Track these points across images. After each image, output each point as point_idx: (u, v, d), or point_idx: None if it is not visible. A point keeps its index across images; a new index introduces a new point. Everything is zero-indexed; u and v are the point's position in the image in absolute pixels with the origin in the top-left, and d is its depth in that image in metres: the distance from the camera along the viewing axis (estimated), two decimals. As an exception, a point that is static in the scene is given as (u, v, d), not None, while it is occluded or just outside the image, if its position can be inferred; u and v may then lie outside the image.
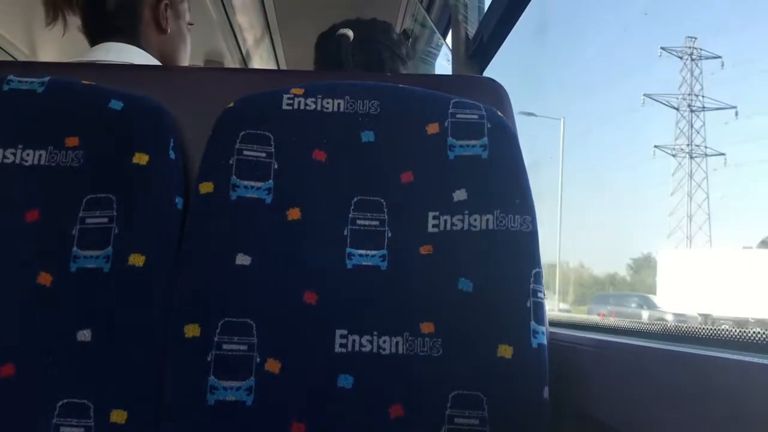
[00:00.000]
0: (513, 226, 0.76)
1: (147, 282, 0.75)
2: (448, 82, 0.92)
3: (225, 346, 0.72)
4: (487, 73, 1.60)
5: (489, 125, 0.80)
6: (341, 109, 0.80)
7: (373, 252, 0.76)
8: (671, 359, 0.62)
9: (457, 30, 1.75)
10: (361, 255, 0.76)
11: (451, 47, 1.83)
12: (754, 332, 0.66)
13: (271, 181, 0.77)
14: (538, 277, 0.75)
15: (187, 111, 0.85)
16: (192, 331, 0.72)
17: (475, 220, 0.77)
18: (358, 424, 0.72)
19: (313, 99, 0.81)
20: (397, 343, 0.74)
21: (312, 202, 0.77)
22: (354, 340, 0.73)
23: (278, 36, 2.73)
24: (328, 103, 0.81)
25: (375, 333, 0.74)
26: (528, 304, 0.74)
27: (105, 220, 0.76)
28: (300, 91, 0.81)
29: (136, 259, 0.74)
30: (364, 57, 1.20)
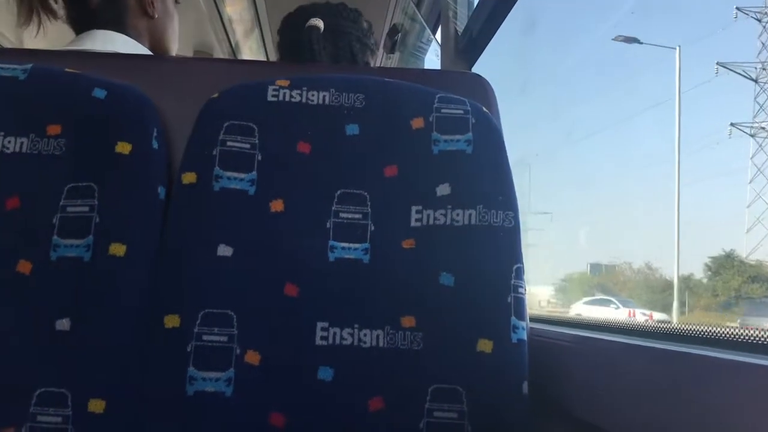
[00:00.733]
0: (495, 222, 0.76)
1: (127, 271, 0.74)
2: (434, 77, 0.92)
3: (205, 337, 0.71)
4: (481, 69, 1.60)
5: (474, 120, 0.80)
6: (326, 102, 0.80)
7: (356, 245, 0.76)
8: (649, 355, 0.62)
9: (446, 25, 1.75)
10: (343, 248, 0.76)
11: (440, 42, 1.83)
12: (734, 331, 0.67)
13: (254, 172, 0.77)
14: (519, 273, 0.75)
15: (173, 101, 0.85)
16: (172, 321, 0.72)
17: (458, 215, 0.77)
18: (338, 417, 0.72)
19: (299, 91, 0.81)
20: (378, 336, 0.74)
21: (295, 194, 0.77)
22: (335, 333, 0.73)
23: (268, 28, 2.72)
24: (313, 95, 0.81)
25: (356, 326, 0.74)
26: (509, 300, 0.74)
27: (86, 208, 0.75)
28: (285, 83, 0.81)
29: (117, 249, 0.74)
30: (333, 48, 1.19)
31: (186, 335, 0.71)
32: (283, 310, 0.74)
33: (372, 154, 0.79)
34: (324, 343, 0.73)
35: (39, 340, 0.72)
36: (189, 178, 0.77)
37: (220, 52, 2.80)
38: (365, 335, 0.74)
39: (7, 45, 1.97)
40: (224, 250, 0.74)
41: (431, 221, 0.77)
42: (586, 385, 0.73)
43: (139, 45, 1.10)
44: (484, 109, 0.82)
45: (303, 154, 0.79)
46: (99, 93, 0.79)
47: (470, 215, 0.76)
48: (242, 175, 0.77)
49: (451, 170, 0.78)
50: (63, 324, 0.72)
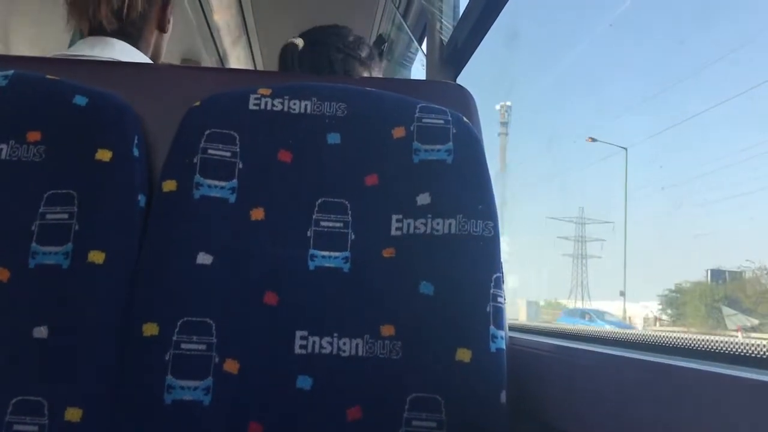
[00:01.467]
0: (475, 231, 0.77)
1: (106, 279, 0.74)
2: (416, 86, 0.92)
3: (183, 346, 0.71)
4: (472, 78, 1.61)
5: (454, 130, 0.80)
6: (308, 111, 0.81)
7: (336, 254, 0.76)
8: (628, 365, 0.63)
9: (432, 36, 1.76)
10: (323, 256, 0.76)
11: (426, 53, 1.84)
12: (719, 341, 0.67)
13: (235, 180, 0.77)
14: (498, 282, 0.76)
15: (155, 108, 0.85)
16: (150, 329, 0.71)
17: (438, 224, 0.77)
18: (316, 426, 0.72)
19: (280, 100, 0.81)
20: (357, 345, 0.74)
21: (276, 203, 0.77)
22: (314, 342, 0.73)
23: (255, 37, 2.73)
24: (294, 104, 0.81)
25: (335, 335, 0.74)
26: (488, 309, 0.74)
27: (65, 216, 0.75)
28: (267, 92, 0.81)
29: (96, 256, 0.74)
30: (309, 62, 1.21)
31: (164, 343, 0.71)
32: (262, 318, 0.73)
33: (353, 163, 0.80)
34: (303, 351, 0.73)
35: (16, 347, 0.71)
36: (169, 185, 0.77)
37: (208, 61, 2.80)
38: (344, 344, 0.74)
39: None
40: (204, 258, 0.74)
41: (411, 230, 0.77)
42: (564, 395, 0.73)
43: (143, 55, 1.11)
44: (465, 119, 0.83)
45: (284, 163, 0.79)
46: (80, 100, 0.79)
47: (450, 224, 0.77)
48: (223, 183, 0.77)
49: (431, 180, 0.79)
50: (40, 331, 0.72)
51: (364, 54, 1.28)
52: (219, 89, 0.83)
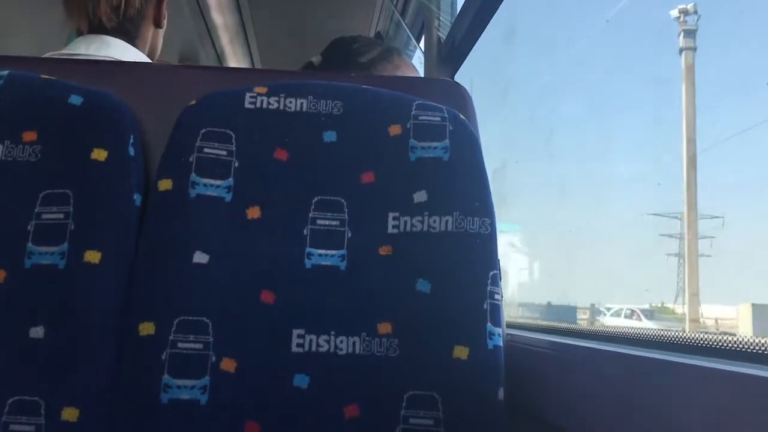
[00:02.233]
0: (472, 228, 0.77)
1: (102, 279, 0.74)
2: (413, 84, 0.92)
3: (180, 345, 0.71)
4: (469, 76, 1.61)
5: (451, 128, 0.80)
6: (304, 109, 0.80)
7: (333, 252, 0.76)
8: (625, 362, 0.63)
9: (429, 33, 1.76)
10: (320, 255, 0.76)
11: (423, 50, 1.84)
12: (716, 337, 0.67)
13: (231, 179, 0.77)
14: (495, 279, 0.76)
15: (150, 107, 0.85)
16: (147, 329, 0.71)
17: (435, 221, 0.77)
18: (313, 424, 0.72)
19: (276, 98, 0.81)
20: (354, 343, 0.74)
21: (272, 201, 0.77)
22: (311, 340, 0.73)
23: (253, 36, 2.73)
24: (290, 102, 0.81)
25: (332, 333, 0.74)
26: (485, 306, 0.74)
27: (61, 215, 0.75)
28: (263, 90, 0.81)
29: (92, 256, 0.74)
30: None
31: (161, 343, 0.71)
32: (259, 317, 0.73)
33: (349, 161, 0.79)
34: (300, 350, 0.73)
35: (12, 347, 0.71)
36: (165, 184, 0.76)
37: (206, 59, 2.80)
38: (341, 342, 0.73)
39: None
40: (200, 257, 0.74)
41: (408, 228, 0.77)
42: (562, 391, 0.73)
43: (140, 53, 1.11)
44: (462, 116, 0.83)
45: (280, 161, 0.79)
46: (75, 99, 0.79)
47: (447, 222, 0.77)
48: (219, 182, 0.77)
49: (428, 177, 0.79)
50: (37, 332, 0.71)
51: (363, 60, 1.27)
52: (215, 88, 0.83)
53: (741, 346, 0.61)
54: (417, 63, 2.34)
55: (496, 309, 0.75)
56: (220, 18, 2.57)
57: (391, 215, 0.78)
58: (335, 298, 0.75)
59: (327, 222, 0.77)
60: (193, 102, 0.81)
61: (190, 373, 0.71)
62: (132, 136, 0.79)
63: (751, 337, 0.60)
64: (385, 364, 0.73)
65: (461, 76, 1.61)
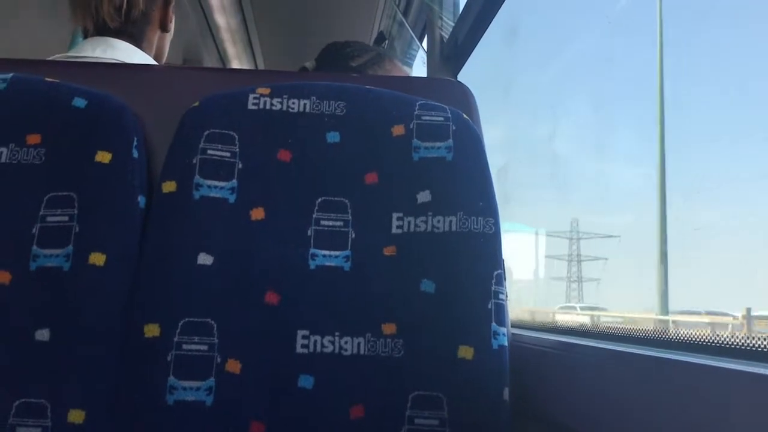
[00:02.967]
0: (476, 228, 0.76)
1: (107, 281, 0.74)
2: (415, 84, 0.92)
3: (185, 346, 0.71)
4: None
5: (454, 127, 0.80)
6: (307, 110, 0.80)
7: (337, 252, 0.76)
8: (631, 361, 0.63)
9: (432, 33, 1.76)
10: (324, 255, 0.76)
11: (426, 50, 1.84)
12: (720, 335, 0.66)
13: (234, 180, 0.77)
14: (499, 279, 0.76)
15: (154, 109, 0.85)
16: (152, 330, 0.72)
17: (439, 221, 0.77)
18: (318, 425, 0.72)
19: (279, 99, 0.81)
20: (359, 343, 0.74)
21: (276, 202, 0.77)
22: (316, 341, 0.73)
23: (256, 36, 2.73)
24: (294, 103, 0.81)
25: (337, 333, 0.74)
26: (489, 306, 0.74)
27: (66, 218, 0.75)
28: (266, 91, 0.81)
29: (97, 258, 0.74)
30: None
31: (166, 344, 0.71)
32: (263, 318, 0.74)
33: (353, 162, 0.79)
34: (305, 351, 0.73)
35: (18, 350, 0.72)
36: (169, 186, 0.77)
37: (209, 60, 2.80)
38: (346, 343, 0.73)
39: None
40: (204, 259, 0.74)
41: (412, 228, 0.77)
42: (567, 391, 0.73)
43: (146, 56, 1.11)
44: (465, 116, 0.83)
45: (283, 162, 0.79)
46: (79, 102, 0.79)
47: (451, 222, 0.77)
48: (222, 184, 0.77)
49: (431, 177, 0.79)
50: (42, 334, 0.72)
51: (355, 64, 1.28)
52: (218, 89, 0.83)
53: None
54: (420, 62, 2.34)
55: (500, 309, 0.75)
56: (223, 19, 2.57)
57: (395, 215, 0.78)
58: (340, 298, 0.75)
59: (331, 223, 0.77)
60: (197, 104, 0.81)
61: (196, 374, 0.71)
62: (136, 139, 0.79)
63: None
64: (390, 365, 0.73)
65: (464, 75, 1.61)
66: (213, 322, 0.72)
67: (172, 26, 1.20)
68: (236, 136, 0.78)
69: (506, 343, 0.74)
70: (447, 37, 1.66)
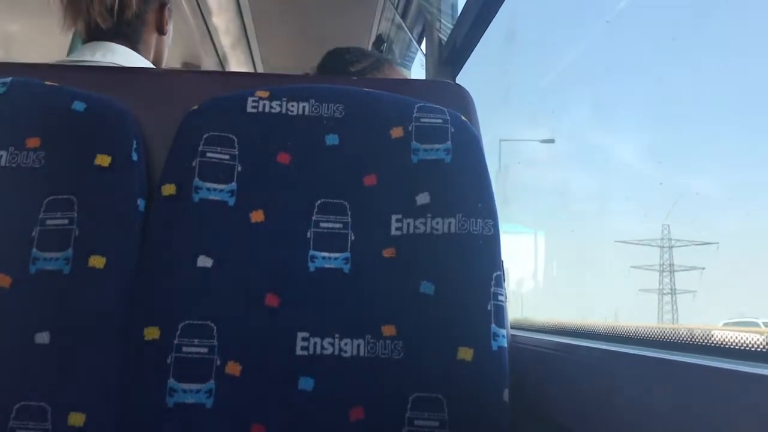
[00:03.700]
0: (475, 230, 0.77)
1: (107, 284, 0.74)
2: (414, 86, 0.92)
3: (185, 349, 0.71)
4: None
5: (453, 129, 0.80)
6: (306, 112, 0.81)
7: (336, 254, 0.77)
8: (632, 362, 0.63)
9: (430, 35, 1.77)
10: (324, 257, 0.76)
11: (425, 52, 1.85)
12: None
13: (234, 183, 0.77)
14: (499, 280, 0.76)
15: (153, 113, 0.85)
16: (152, 333, 0.72)
17: (438, 223, 0.77)
18: (319, 427, 0.72)
19: (278, 102, 0.81)
20: (358, 345, 0.74)
21: (275, 205, 0.78)
22: (315, 343, 0.73)
23: (255, 39, 2.73)
24: (293, 106, 0.81)
25: (337, 335, 0.74)
26: (489, 307, 0.74)
27: (65, 221, 0.75)
28: (265, 94, 0.81)
29: (97, 261, 0.74)
30: None
31: (166, 347, 0.71)
32: (263, 320, 0.74)
33: (352, 164, 0.80)
34: (305, 353, 0.73)
35: (18, 353, 0.72)
36: (169, 189, 0.77)
37: (208, 64, 2.80)
38: (346, 345, 0.74)
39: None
40: (204, 261, 0.74)
41: (411, 230, 0.78)
42: (567, 392, 0.73)
43: (145, 60, 1.11)
44: (464, 118, 0.83)
45: (283, 165, 0.79)
46: (78, 106, 0.79)
47: (450, 223, 0.77)
48: (222, 186, 0.77)
49: (430, 179, 0.79)
50: (42, 337, 0.72)
51: (354, 69, 1.29)
52: (217, 92, 0.84)
53: None
54: (418, 65, 2.34)
55: (500, 310, 0.75)
56: (222, 22, 2.57)
57: (394, 217, 0.78)
58: (339, 300, 0.75)
59: (330, 225, 0.77)
60: (196, 107, 0.81)
61: (196, 377, 0.71)
62: (135, 142, 0.79)
63: None
64: (390, 367, 0.73)
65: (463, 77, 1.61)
66: (213, 325, 0.72)
67: (169, 29, 1.19)
68: (235, 139, 0.79)
69: (506, 345, 0.75)
70: (445, 39, 1.66)
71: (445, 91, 0.92)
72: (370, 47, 2.50)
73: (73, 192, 0.76)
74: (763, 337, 0.58)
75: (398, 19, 2.23)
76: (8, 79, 0.81)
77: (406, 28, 2.20)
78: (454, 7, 1.70)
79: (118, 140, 0.79)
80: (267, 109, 0.80)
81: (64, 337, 0.72)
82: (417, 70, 2.36)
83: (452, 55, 1.60)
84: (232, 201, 0.77)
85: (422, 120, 0.81)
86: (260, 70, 3.03)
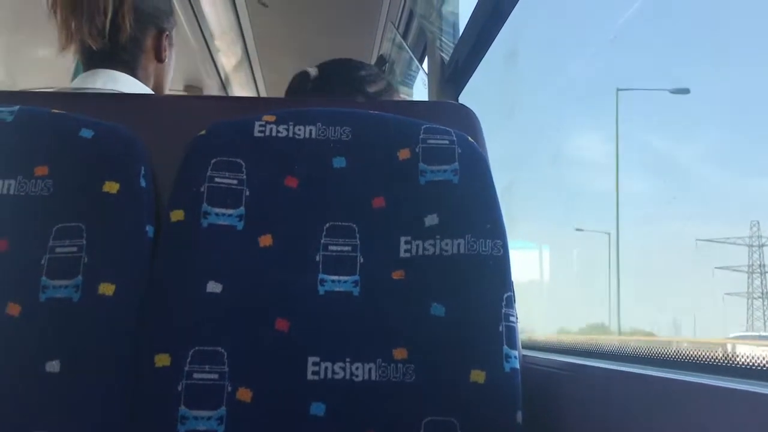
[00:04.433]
0: (484, 251, 0.76)
1: (117, 311, 0.74)
2: (420, 107, 0.93)
3: (196, 375, 0.71)
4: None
5: (459, 150, 0.81)
6: (313, 136, 0.81)
7: (346, 278, 0.76)
8: (646, 384, 0.62)
9: (432, 55, 1.78)
10: (333, 281, 0.76)
11: (427, 71, 1.86)
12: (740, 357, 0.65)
13: (242, 207, 0.77)
14: (509, 302, 0.75)
15: (160, 138, 0.85)
16: (162, 360, 0.71)
17: (447, 244, 0.77)
18: None
19: (285, 126, 0.81)
20: (370, 369, 0.73)
21: (284, 229, 0.77)
22: (326, 368, 0.73)
23: (257, 62, 2.75)
24: (299, 129, 0.81)
25: (348, 360, 0.73)
26: (500, 329, 0.74)
27: (74, 249, 0.75)
28: (272, 118, 0.82)
29: (106, 288, 0.74)
30: (321, 91, 1.20)
31: (177, 374, 0.71)
32: (274, 345, 0.73)
33: (359, 187, 0.80)
34: (315, 377, 0.73)
35: (29, 382, 0.71)
36: (177, 215, 0.77)
37: (210, 86, 2.82)
38: (357, 369, 0.73)
39: (2, 87, 1.98)
40: (213, 287, 0.74)
41: (420, 252, 0.77)
42: (581, 414, 0.72)
43: (145, 87, 1.11)
44: (470, 138, 0.83)
45: (290, 189, 0.79)
46: (86, 133, 0.80)
47: (459, 245, 0.77)
48: (230, 211, 0.77)
49: (438, 200, 0.79)
50: (53, 366, 0.71)
51: (372, 90, 1.29)
52: (222, 117, 0.84)
53: None
54: (420, 84, 2.35)
55: (511, 331, 0.74)
56: (224, 44, 2.59)
57: (402, 239, 0.78)
58: (349, 324, 0.75)
59: (339, 248, 0.77)
60: (203, 132, 0.81)
61: (207, 403, 0.70)
62: (143, 168, 0.80)
63: None
64: (402, 390, 0.73)
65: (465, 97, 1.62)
66: (223, 351, 0.72)
67: (170, 57, 1.18)
68: (243, 164, 0.79)
69: (518, 366, 0.74)
70: (447, 59, 1.67)
71: (450, 111, 0.92)
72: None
73: (81, 219, 0.76)
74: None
75: (399, 38, 2.25)
76: (15, 108, 0.81)
77: (407, 48, 2.21)
78: (455, 26, 1.72)
79: (126, 167, 0.79)
80: (274, 133, 0.80)
81: (75, 366, 0.72)
82: (419, 89, 2.37)
83: (455, 73, 1.61)
84: (240, 225, 0.77)
85: (429, 141, 0.81)
86: (262, 92, 3.05)
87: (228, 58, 2.74)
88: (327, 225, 0.78)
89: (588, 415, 0.70)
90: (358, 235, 0.78)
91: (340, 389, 0.72)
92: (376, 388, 0.73)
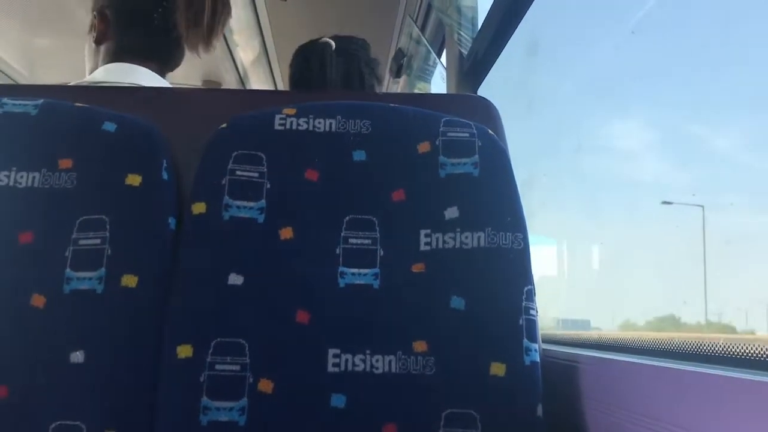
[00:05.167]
0: (504, 244, 0.76)
1: (140, 302, 0.75)
2: (439, 100, 0.93)
3: (218, 367, 0.72)
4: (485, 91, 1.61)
5: (480, 143, 0.80)
6: (333, 129, 0.81)
7: (366, 270, 0.76)
8: (671, 377, 0.62)
9: (451, 48, 1.77)
10: (353, 273, 0.76)
11: (445, 65, 1.85)
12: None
13: (263, 200, 0.78)
14: (530, 295, 0.75)
15: (182, 132, 0.86)
16: (185, 351, 0.72)
17: (467, 237, 0.77)
18: None
19: (305, 119, 0.81)
20: (390, 361, 0.73)
21: (304, 221, 0.78)
22: (347, 359, 0.73)
23: (275, 56, 2.76)
24: (320, 122, 0.81)
25: (368, 352, 0.74)
26: (520, 322, 0.74)
27: (98, 241, 0.76)
28: (292, 111, 0.82)
29: (129, 280, 0.75)
30: (343, 68, 1.22)
31: (199, 365, 0.72)
32: (295, 337, 0.74)
33: (380, 180, 0.80)
34: (336, 369, 0.73)
35: (54, 372, 0.72)
36: (199, 208, 0.77)
37: (229, 81, 2.83)
38: (377, 361, 0.73)
39: (23, 81, 2.00)
40: (235, 279, 0.75)
41: (440, 245, 0.77)
42: (600, 407, 0.72)
43: (164, 80, 1.12)
44: (490, 131, 0.83)
45: (311, 182, 0.79)
46: (109, 126, 0.80)
47: (479, 238, 0.77)
48: (251, 204, 0.77)
49: (458, 193, 0.79)
50: (77, 356, 0.72)
51: (379, 72, 1.31)
52: (242, 110, 0.84)
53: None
54: (438, 78, 2.35)
55: (532, 324, 0.74)
56: (243, 39, 2.60)
57: (423, 232, 0.78)
58: (370, 316, 0.75)
59: (359, 241, 0.77)
60: (224, 125, 0.81)
61: (229, 394, 0.71)
62: (165, 161, 0.80)
63: None
64: (422, 383, 0.73)
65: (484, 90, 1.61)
66: (245, 342, 0.72)
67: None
68: (264, 157, 0.79)
69: (538, 359, 0.74)
70: (466, 52, 1.66)
71: (470, 104, 0.92)
72: (390, 61, 2.51)
73: (105, 212, 0.77)
74: None
75: (417, 32, 2.24)
76: (39, 101, 0.82)
77: (425, 41, 2.21)
78: (474, 20, 1.71)
79: (149, 160, 0.80)
80: (294, 127, 0.81)
81: (98, 356, 0.73)
82: (437, 83, 2.37)
83: (474, 67, 1.60)
84: (261, 218, 0.77)
85: (449, 134, 0.81)
86: (281, 86, 3.06)
87: (246, 53, 2.75)
88: (347, 218, 0.78)
89: (609, 409, 0.70)
90: (378, 228, 0.78)
91: (360, 381, 0.73)
92: (396, 380, 0.73)
